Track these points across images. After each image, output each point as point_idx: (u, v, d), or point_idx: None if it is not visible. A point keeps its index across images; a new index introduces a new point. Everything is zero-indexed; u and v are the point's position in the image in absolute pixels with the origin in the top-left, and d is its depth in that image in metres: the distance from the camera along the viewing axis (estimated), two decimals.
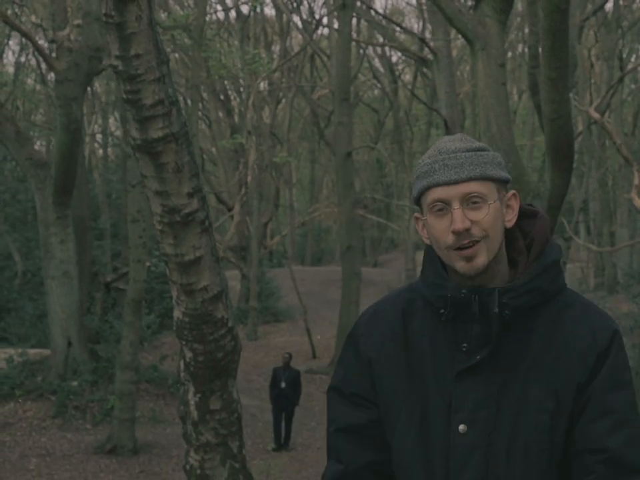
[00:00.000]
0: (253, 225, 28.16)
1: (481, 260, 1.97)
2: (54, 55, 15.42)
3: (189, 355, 5.81)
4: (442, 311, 2.02)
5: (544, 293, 2.01)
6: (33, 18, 19.66)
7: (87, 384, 16.00)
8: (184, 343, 5.79)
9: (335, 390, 2.19)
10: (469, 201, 1.97)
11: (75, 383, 15.92)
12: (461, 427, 1.99)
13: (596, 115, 15.09)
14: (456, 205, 1.97)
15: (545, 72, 8.72)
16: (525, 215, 2.11)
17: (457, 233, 1.96)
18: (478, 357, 1.98)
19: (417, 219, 2.12)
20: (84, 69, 14.72)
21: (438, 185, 1.98)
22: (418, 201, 2.07)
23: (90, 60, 14.74)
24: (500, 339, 1.98)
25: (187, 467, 6.28)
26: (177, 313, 5.71)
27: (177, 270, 5.48)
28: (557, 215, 9.88)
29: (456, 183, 1.97)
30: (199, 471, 6.20)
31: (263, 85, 28.16)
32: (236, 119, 32.88)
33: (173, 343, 22.13)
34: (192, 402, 6.00)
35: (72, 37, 15.30)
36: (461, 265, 1.99)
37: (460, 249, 1.97)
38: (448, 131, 22.54)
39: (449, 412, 2.00)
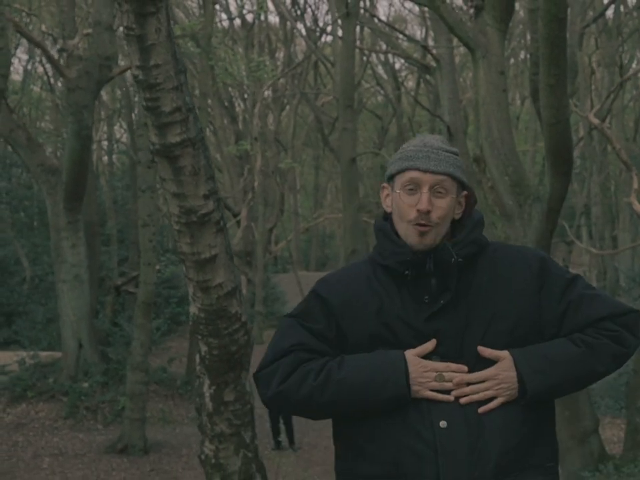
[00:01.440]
0: (258, 230, 28.48)
1: (431, 239, 2.46)
2: (62, 62, 15.77)
3: (204, 348, 6.11)
4: (406, 272, 2.47)
5: (479, 243, 2.49)
6: (43, 27, 20.04)
7: (98, 385, 16.34)
8: (199, 337, 6.09)
9: (299, 320, 2.57)
10: (435, 190, 2.45)
11: (86, 385, 16.26)
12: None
13: (595, 121, 15.36)
14: (425, 190, 2.44)
15: (543, 79, 9.01)
16: None
17: (420, 212, 2.41)
18: (442, 302, 2.45)
19: (384, 188, 2.57)
20: (94, 77, 15.04)
21: (417, 169, 2.45)
22: (392, 177, 2.54)
23: (100, 68, 15.06)
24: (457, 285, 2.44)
25: (202, 456, 6.58)
26: (192, 309, 6.01)
27: (193, 268, 5.77)
28: (557, 218, 10.16)
29: (432, 172, 2.44)
30: (213, 460, 6.50)
31: (266, 92, 28.49)
32: (240, 125, 33.20)
33: (180, 347, 22.46)
34: (207, 394, 6.30)
35: (80, 46, 15.66)
36: (413, 239, 2.46)
37: (418, 224, 2.42)
38: (451, 137, 22.83)
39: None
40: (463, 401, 2.39)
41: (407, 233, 2.47)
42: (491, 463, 2.37)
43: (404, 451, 2.41)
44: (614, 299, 2.59)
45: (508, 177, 10.13)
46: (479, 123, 10.75)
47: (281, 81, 30.82)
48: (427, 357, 2.44)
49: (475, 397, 2.39)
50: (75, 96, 14.94)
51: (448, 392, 2.41)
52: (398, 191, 2.49)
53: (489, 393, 2.40)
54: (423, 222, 2.43)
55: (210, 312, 5.91)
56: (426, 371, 2.41)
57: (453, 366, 2.41)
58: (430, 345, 2.43)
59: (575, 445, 10.62)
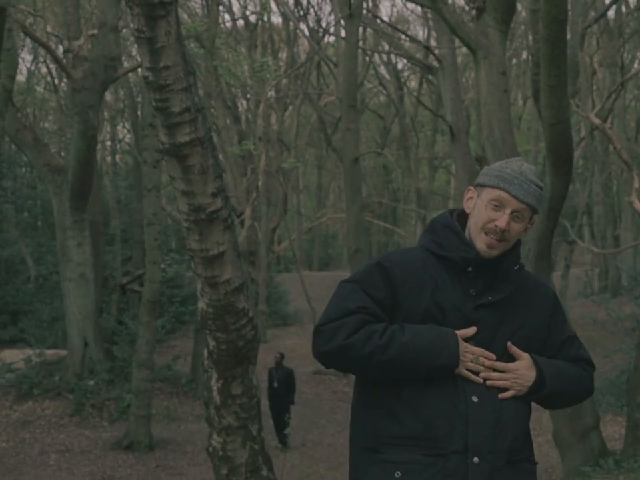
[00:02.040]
0: (261, 230, 28.61)
1: (496, 252, 2.87)
2: (67, 63, 15.92)
3: (212, 343, 6.25)
4: (469, 269, 2.87)
5: (519, 259, 2.97)
6: (49, 28, 20.23)
7: (104, 383, 16.51)
8: (208, 332, 6.23)
9: (361, 287, 2.86)
10: (515, 215, 2.85)
11: (91, 382, 16.43)
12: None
13: (596, 121, 15.50)
14: (508, 211, 2.83)
15: (544, 79, 9.15)
16: None
17: (497, 228, 2.83)
18: (490, 298, 2.87)
19: (469, 190, 2.98)
20: (100, 77, 15.20)
21: (509, 193, 2.83)
22: (483, 186, 2.91)
23: (106, 69, 15.23)
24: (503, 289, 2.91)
25: (210, 449, 6.73)
26: (201, 304, 6.15)
27: (201, 264, 5.92)
28: (557, 216, 10.31)
29: (519, 200, 2.83)
30: (221, 453, 6.64)
31: (270, 92, 28.61)
32: (243, 125, 33.32)
33: (184, 346, 22.60)
34: (215, 387, 6.45)
35: (85, 47, 15.80)
36: (481, 246, 2.86)
37: (488, 234, 2.84)
38: (453, 137, 22.95)
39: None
40: (488, 383, 2.79)
41: (478, 239, 2.88)
42: (508, 440, 2.78)
43: (439, 417, 2.75)
44: None
45: None
46: (481, 123, 10.87)
47: (284, 81, 30.92)
48: (465, 340, 2.81)
49: (497, 382, 2.80)
50: (81, 96, 15.11)
51: (476, 374, 2.80)
52: (485, 203, 2.87)
53: (507, 384, 2.81)
54: (498, 237, 2.84)
55: (218, 307, 6.06)
56: (466, 351, 2.78)
57: (486, 353, 2.80)
58: (471, 331, 2.81)
59: (575, 441, 10.74)
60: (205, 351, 6.48)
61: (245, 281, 6.12)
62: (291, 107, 36.38)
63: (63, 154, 30.29)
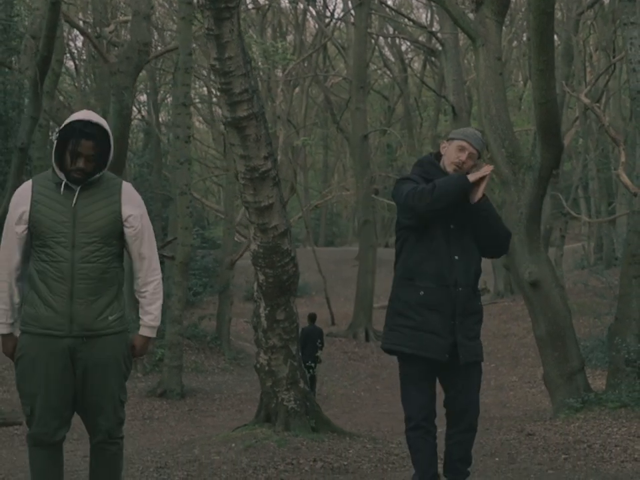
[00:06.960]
0: None
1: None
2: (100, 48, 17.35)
3: (261, 277, 7.79)
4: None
5: None
6: (81, 15, 21.67)
7: None
8: (258, 268, 7.76)
9: (410, 178, 5.01)
10: (469, 156, 4.91)
11: None
12: (456, 257, 4.86)
13: (586, 100, 16.94)
14: (467, 152, 4.90)
15: (534, 64, 10.56)
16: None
17: (460, 160, 4.93)
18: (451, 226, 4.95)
19: (444, 142, 5.08)
20: (134, 61, 16.62)
21: (469, 143, 4.89)
22: (453, 139, 4.95)
23: (139, 53, 16.66)
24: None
25: (257, 365, 8.27)
26: (253, 246, 7.68)
27: (255, 213, 7.44)
28: (546, 185, 11.66)
29: (473, 147, 4.90)
30: (267, 368, 8.18)
31: (280, 74, 29.91)
32: None
33: (203, 313, 24.15)
34: (262, 314, 7.98)
35: (114, 33, 17.24)
36: (450, 172, 4.91)
37: (454, 165, 4.92)
38: (456, 116, 24.37)
39: (448, 245, 4.86)
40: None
41: (449, 168, 4.89)
42: (472, 279, 4.93)
43: (442, 265, 4.81)
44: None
45: (504, 149, 11.60)
46: (479, 102, 12.30)
47: (292, 62, 32.13)
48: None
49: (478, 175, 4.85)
50: (116, 79, 16.53)
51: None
52: (454, 148, 4.88)
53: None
54: (459, 167, 4.88)
55: (267, 248, 7.61)
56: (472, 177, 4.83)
57: (483, 170, 4.86)
58: (488, 169, 4.86)
59: (563, 382, 12.06)
60: (255, 285, 8.02)
61: (288, 227, 7.65)
62: (298, 88, 37.64)
63: None
